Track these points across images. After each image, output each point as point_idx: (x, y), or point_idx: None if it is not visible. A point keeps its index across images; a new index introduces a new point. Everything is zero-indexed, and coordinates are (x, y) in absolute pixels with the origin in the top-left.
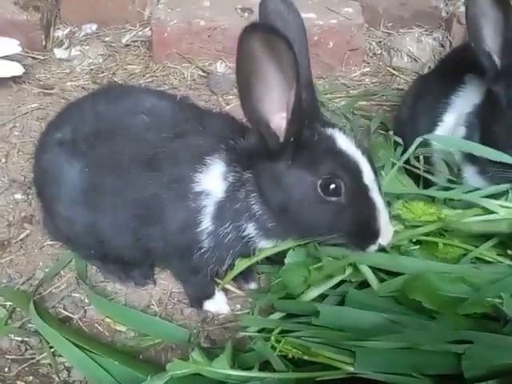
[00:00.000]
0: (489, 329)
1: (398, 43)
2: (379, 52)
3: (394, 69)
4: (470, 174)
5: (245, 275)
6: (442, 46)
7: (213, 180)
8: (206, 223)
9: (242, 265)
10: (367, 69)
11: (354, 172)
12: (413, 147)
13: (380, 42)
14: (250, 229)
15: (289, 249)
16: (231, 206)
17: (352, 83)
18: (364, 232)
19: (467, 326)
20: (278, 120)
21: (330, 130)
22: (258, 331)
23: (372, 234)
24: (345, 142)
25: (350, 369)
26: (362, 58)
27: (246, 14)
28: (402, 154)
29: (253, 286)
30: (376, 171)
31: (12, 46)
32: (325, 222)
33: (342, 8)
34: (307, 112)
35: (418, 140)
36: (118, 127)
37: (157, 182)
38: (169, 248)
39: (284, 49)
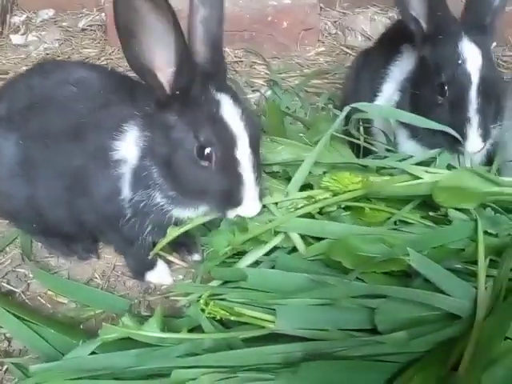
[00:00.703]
0: (403, 285)
1: (353, 23)
2: (334, 32)
3: (348, 47)
4: (403, 139)
5: (188, 247)
6: None
7: (128, 147)
8: (126, 191)
9: (172, 233)
10: (322, 48)
11: (229, 143)
12: (341, 116)
13: (335, 21)
14: (158, 197)
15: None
16: (141, 173)
17: (306, 62)
18: (226, 199)
19: (384, 284)
20: (165, 71)
21: (220, 95)
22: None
23: (233, 202)
24: (230, 111)
25: (272, 326)
26: (316, 38)
27: None
28: (345, 127)
29: (196, 257)
30: (257, 146)
31: None
32: (196, 184)
33: None
34: (205, 69)
35: (346, 109)
36: (48, 99)
37: (83, 152)
38: (99, 219)
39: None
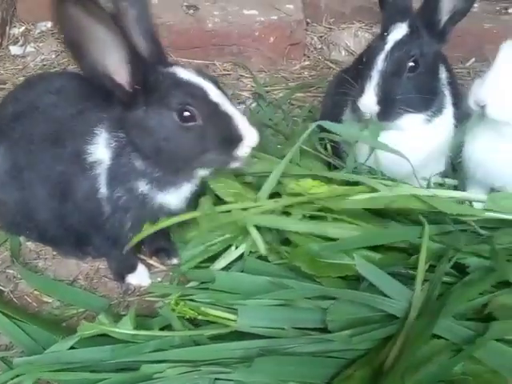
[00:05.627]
0: (356, 288)
1: (337, 38)
2: (320, 46)
3: (332, 62)
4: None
5: (167, 251)
6: None
7: (100, 149)
8: (103, 190)
9: (147, 228)
10: (307, 62)
11: (201, 94)
12: (307, 132)
13: (321, 36)
14: (142, 186)
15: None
16: (118, 170)
17: (292, 76)
18: (229, 141)
19: (339, 287)
20: (121, 72)
21: (171, 68)
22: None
23: (236, 139)
24: (186, 74)
25: (234, 325)
26: (302, 52)
27: (192, 10)
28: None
29: (175, 261)
30: (222, 90)
31: None
32: (194, 147)
33: (284, 5)
34: (150, 59)
35: (312, 125)
36: (31, 108)
37: (62, 158)
38: (82, 222)
39: (97, 11)
